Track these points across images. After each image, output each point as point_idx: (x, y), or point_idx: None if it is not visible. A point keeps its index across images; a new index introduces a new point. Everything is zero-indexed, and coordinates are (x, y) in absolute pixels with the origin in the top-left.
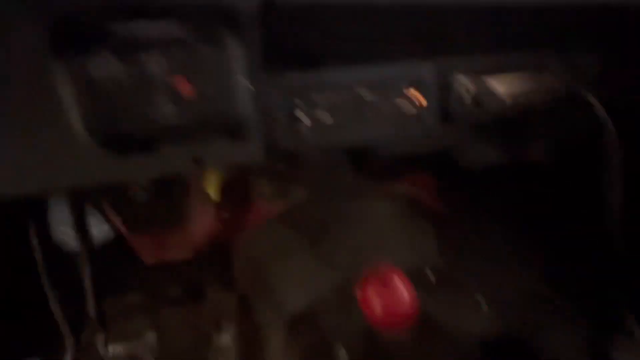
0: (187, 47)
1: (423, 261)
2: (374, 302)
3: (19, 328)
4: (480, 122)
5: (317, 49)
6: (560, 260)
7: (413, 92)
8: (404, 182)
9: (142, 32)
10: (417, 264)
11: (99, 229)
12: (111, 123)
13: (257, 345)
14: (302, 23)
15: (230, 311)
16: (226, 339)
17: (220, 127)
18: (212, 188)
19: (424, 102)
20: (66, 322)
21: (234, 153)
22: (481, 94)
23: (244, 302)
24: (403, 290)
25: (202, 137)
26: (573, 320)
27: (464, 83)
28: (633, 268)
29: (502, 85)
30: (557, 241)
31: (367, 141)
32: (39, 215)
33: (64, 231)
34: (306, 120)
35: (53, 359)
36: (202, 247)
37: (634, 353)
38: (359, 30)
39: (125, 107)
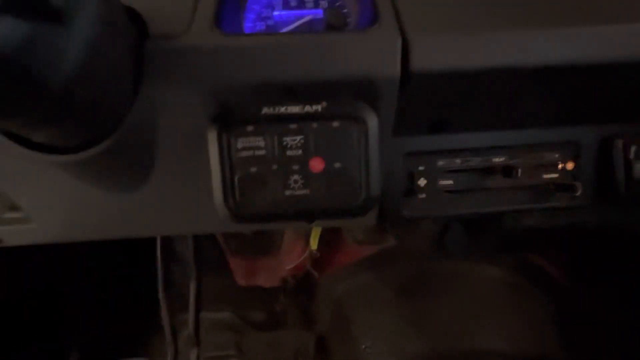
0: (328, 126)
1: (538, 349)
2: None
3: (130, 329)
4: None
5: (449, 115)
6: None
7: (562, 161)
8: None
9: (288, 115)
10: (528, 350)
11: None
12: (246, 203)
13: None
14: (437, 90)
15: (308, 349)
16: None
17: (349, 205)
18: (313, 236)
19: (576, 174)
20: (171, 329)
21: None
22: None
23: (322, 343)
24: None
25: (330, 214)
26: None
27: (638, 154)
28: None
29: None
30: None
31: (494, 213)
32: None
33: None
34: (427, 188)
35: None
36: (290, 280)
37: None
38: (501, 93)
39: (261, 186)
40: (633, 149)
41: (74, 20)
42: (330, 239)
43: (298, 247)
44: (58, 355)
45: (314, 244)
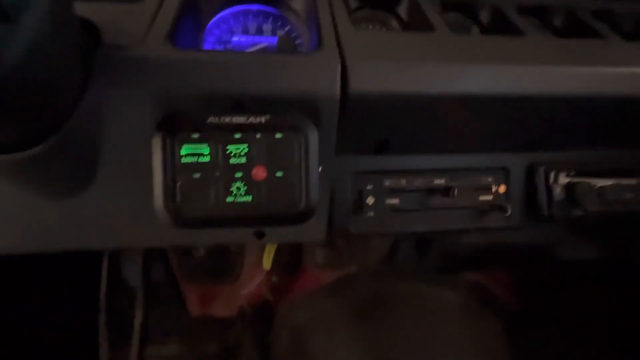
0: (271, 137)
1: None
2: None
3: None
4: (572, 221)
5: (391, 136)
6: None
7: (495, 184)
8: (474, 274)
9: (232, 125)
10: None
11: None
12: (187, 208)
13: None
14: (376, 112)
15: None
16: None
17: (290, 212)
18: (266, 255)
19: (507, 196)
20: None
21: (296, 232)
22: (576, 194)
23: None
24: None
25: (270, 221)
26: None
27: (557, 179)
28: None
29: (601, 184)
30: None
31: (437, 232)
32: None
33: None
34: (374, 206)
35: None
36: (247, 308)
37: None
38: (433, 118)
39: (203, 192)
40: (552, 174)
41: (20, 18)
42: (289, 266)
43: (258, 274)
44: None
45: (267, 263)
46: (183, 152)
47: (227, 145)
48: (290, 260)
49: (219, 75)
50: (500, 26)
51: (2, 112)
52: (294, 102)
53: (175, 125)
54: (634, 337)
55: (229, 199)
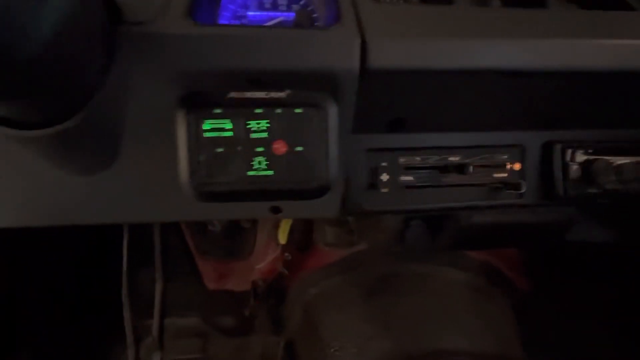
0: (291, 112)
1: (497, 347)
2: None
3: (90, 333)
4: (588, 200)
5: (407, 114)
6: None
7: (510, 162)
8: (484, 254)
9: (253, 100)
10: (489, 350)
11: None
12: (211, 181)
13: None
14: (394, 88)
15: (276, 353)
16: None
17: (309, 186)
18: (282, 230)
19: (522, 174)
20: (133, 334)
21: (311, 207)
22: (593, 172)
23: (290, 348)
24: None
25: (290, 194)
26: None
27: (573, 157)
28: None
29: (619, 162)
30: None
31: (450, 209)
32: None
33: None
34: (389, 183)
35: None
36: (260, 283)
37: None
38: (450, 95)
39: (226, 166)
40: (569, 152)
41: None
42: (301, 242)
43: (270, 250)
44: (10, 355)
45: (282, 238)
46: (205, 127)
47: (248, 121)
48: (302, 239)
49: (239, 51)
50: None
51: (32, 89)
52: (314, 77)
53: (197, 101)
54: None
55: (251, 173)
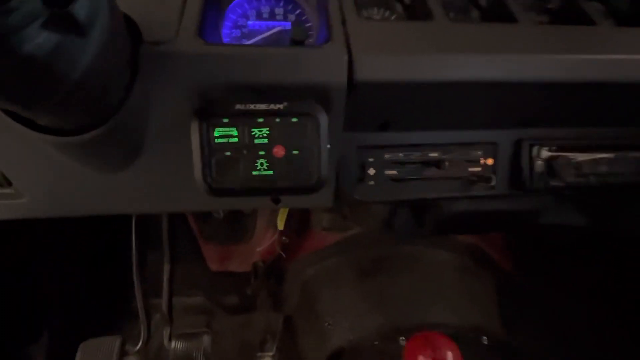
0: (287, 120)
1: (479, 322)
2: None
3: (104, 311)
4: (552, 191)
5: (391, 118)
6: None
7: (484, 157)
8: (471, 236)
9: (256, 111)
10: (471, 324)
11: None
12: (220, 180)
13: None
14: (379, 97)
15: (276, 328)
16: (269, 354)
17: (304, 184)
18: (280, 217)
19: (495, 168)
20: (144, 310)
21: (307, 199)
22: (555, 167)
23: (289, 323)
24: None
25: (288, 191)
26: None
27: (539, 153)
28: None
29: (579, 159)
30: None
31: (430, 199)
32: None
33: None
34: (375, 176)
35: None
36: (260, 264)
37: None
38: (429, 101)
39: (233, 167)
40: (535, 149)
41: (91, 31)
42: (298, 228)
43: (269, 235)
44: (32, 333)
45: (280, 224)
46: (216, 134)
47: (252, 128)
48: (300, 223)
49: (244, 67)
50: (497, 9)
51: (72, 106)
52: (308, 89)
53: (209, 112)
54: (614, 294)
55: (255, 173)
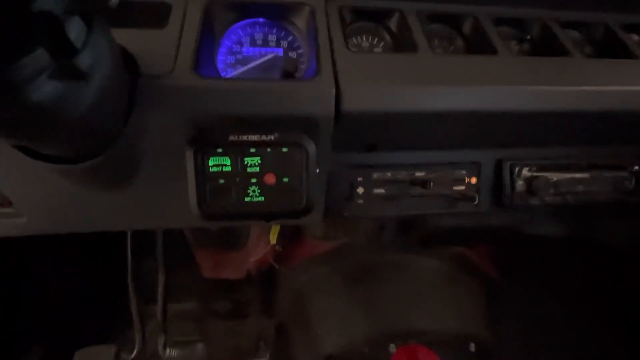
0: (276, 149)
1: (466, 328)
2: None
3: (99, 319)
4: (531, 209)
5: (377, 141)
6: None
7: (468, 176)
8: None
9: (248, 141)
10: (459, 331)
11: None
12: (214, 206)
13: None
14: (365, 125)
15: (268, 334)
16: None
17: (294, 209)
18: (272, 232)
19: (478, 187)
20: (139, 319)
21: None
22: (534, 187)
23: (281, 329)
24: None
25: (279, 216)
26: None
27: (520, 173)
28: None
29: (557, 178)
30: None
31: (416, 215)
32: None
33: None
34: (364, 195)
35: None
36: (254, 273)
37: None
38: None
39: (226, 194)
40: (516, 169)
41: (94, 77)
42: (292, 236)
43: (262, 243)
44: (26, 341)
45: (273, 239)
46: (210, 162)
47: (244, 158)
48: (293, 232)
49: (237, 101)
50: (479, 39)
51: (73, 141)
52: (297, 119)
53: (203, 142)
54: (595, 299)
55: (247, 199)
